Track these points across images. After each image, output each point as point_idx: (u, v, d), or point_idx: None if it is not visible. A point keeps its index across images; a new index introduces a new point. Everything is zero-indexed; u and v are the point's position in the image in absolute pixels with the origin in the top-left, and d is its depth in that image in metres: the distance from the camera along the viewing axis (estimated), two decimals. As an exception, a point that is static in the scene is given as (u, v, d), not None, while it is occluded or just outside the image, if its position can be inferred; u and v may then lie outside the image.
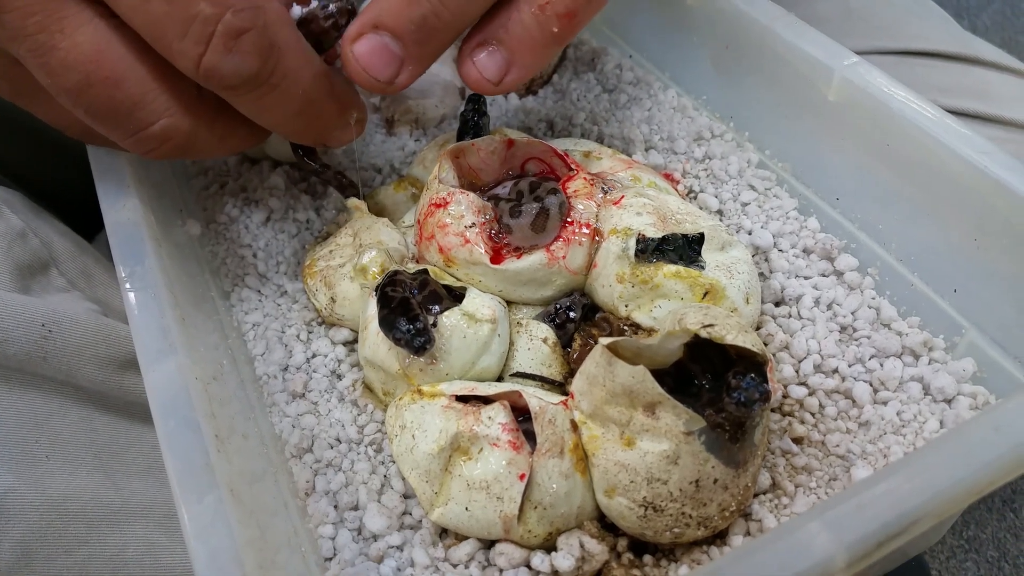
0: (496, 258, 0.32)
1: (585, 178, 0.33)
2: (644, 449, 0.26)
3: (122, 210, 0.33)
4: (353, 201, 0.38)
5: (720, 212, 0.38)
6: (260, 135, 0.33)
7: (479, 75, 0.32)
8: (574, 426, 0.28)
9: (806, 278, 0.35)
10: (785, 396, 0.31)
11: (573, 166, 0.34)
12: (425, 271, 0.32)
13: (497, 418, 0.28)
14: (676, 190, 0.38)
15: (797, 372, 0.32)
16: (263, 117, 0.30)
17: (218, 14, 0.26)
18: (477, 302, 0.31)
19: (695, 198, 0.38)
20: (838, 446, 0.30)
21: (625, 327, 0.32)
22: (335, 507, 0.30)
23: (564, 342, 0.32)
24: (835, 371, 0.32)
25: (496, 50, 0.32)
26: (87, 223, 0.48)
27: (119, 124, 0.28)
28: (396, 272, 0.32)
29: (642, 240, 0.31)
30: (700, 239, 0.31)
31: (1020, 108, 0.52)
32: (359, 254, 0.35)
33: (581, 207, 0.32)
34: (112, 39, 0.27)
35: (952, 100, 0.52)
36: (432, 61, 0.33)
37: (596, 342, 0.29)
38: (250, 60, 0.27)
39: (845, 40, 0.56)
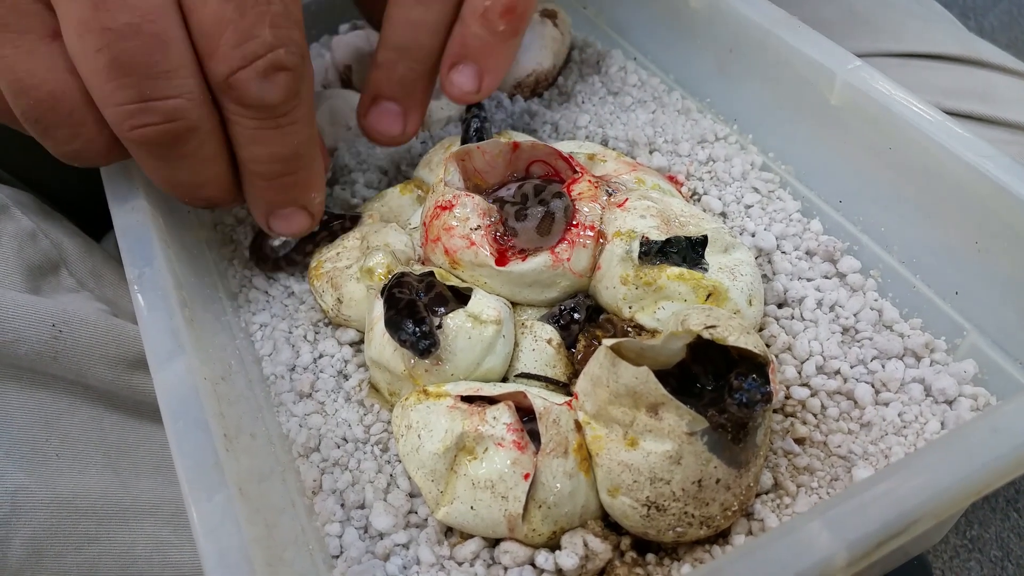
0: (501, 260, 0.32)
1: (590, 181, 0.33)
2: (647, 449, 0.26)
3: (131, 212, 0.34)
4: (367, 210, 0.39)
5: (724, 214, 0.38)
6: (229, 189, 0.33)
7: (460, 91, 0.37)
8: (578, 426, 0.28)
9: (809, 280, 0.35)
10: (787, 397, 0.31)
11: (578, 168, 0.34)
12: (431, 273, 0.32)
13: (502, 418, 0.28)
14: (680, 192, 0.38)
15: (799, 373, 0.32)
16: (255, 147, 0.31)
17: (274, 45, 0.29)
18: (482, 303, 0.31)
19: (699, 200, 0.39)
20: (840, 447, 0.30)
21: (629, 328, 0.32)
22: (342, 506, 0.30)
23: (568, 343, 0.32)
24: (837, 372, 0.32)
25: (465, 66, 0.37)
26: (95, 223, 0.49)
27: (142, 80, 0.28)
28: (403, 274, 0.32)
29: (646, 242, 0.31)
30: (703, 241, 0.31)
31: (1023, 110, 0.52)
32: (365, 256, 0.35)
33: (586, 210, 0.32)
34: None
35: (955, 102, 0.52)
36: (427, 103, 0.39)
37: (600, 343, 0.30)
38: (276, 93, 0.30)
39: (848, 42, 0.56)
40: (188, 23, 0.28)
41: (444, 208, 0.33)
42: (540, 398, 0.28)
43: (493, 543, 0.29)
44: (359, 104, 0.38)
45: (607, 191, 0.34)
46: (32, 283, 0.38)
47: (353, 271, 0.36)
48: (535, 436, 0.28)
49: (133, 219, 0.33)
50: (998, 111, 0.52)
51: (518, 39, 0.37)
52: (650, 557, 0.28)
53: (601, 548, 0.27)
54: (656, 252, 0.31)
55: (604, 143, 0.43)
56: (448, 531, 0.29)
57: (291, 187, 0.33)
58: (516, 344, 0.32)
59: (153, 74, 0.28)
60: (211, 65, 0.29)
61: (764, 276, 0.35)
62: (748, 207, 0.38)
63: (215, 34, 0.28)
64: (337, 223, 0.38)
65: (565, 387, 0.31)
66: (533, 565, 0.28)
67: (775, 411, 0.31)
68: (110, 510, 0.36)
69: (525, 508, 0.27)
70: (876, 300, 0.34)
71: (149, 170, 0.31)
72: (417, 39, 0.36)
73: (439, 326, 0.30)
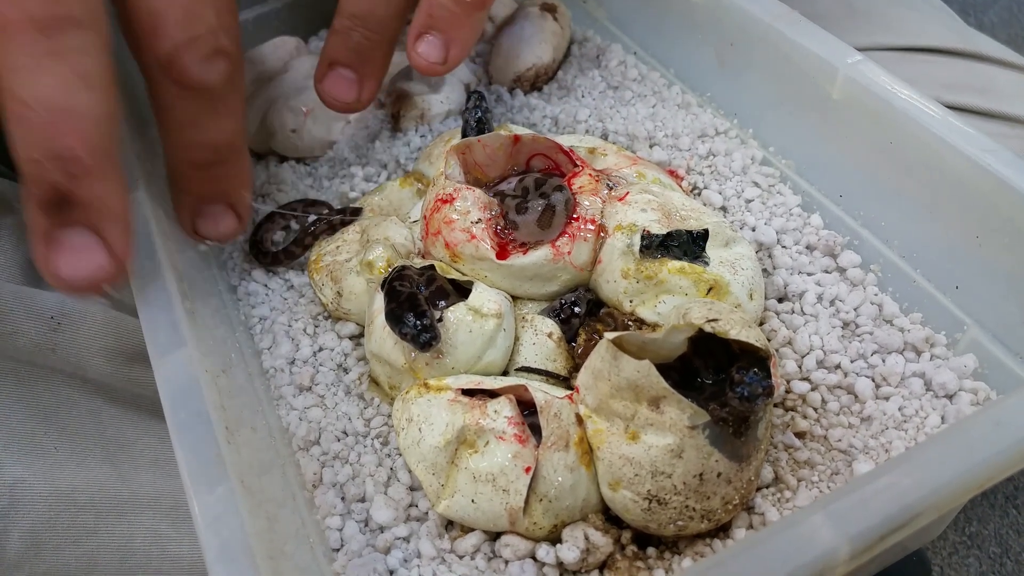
0: (502, 254, 0.32)
1: (590, 174, 0.33)
2: (648, 443, 0.26)
3: (132, 205, 0.34)
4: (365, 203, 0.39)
5: (724, 209, 0.38)
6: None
7: (426, 62, 0.37)
8: (579, 420, 0.28)
9: (809, 274, 0.35)
10: (788, 391, 0.31)
11: (578, 162, 0.34)
12: (432, 266, 0.32)
13: (503, 412, 0.28)
14: (680, 186, 0.38)
15: (800, 367, 0.32)
16: (190, 131, 0.31)
17: (216, 29, 0.29)
18: (483, 297, 0.31)
19: (699, 195, 0.39)
20: (840, 441, 0.30)
21: (630, 322, 0.32)
22: (342, 499, 0.30)
23: (569, 337, 0.32)
24: (838, 366, 0.32)
25: (432, 36, 0.37)
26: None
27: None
28: (403, 267, 0.32)
29: (647, 236, 0.31)
30: (704, 235, 0.31)
31: (1022, 103, 0.52)
32: (365, 249, 0.35)
33: (587, 203, 0.32)
34: None
35: (955, 96, 0.52)
36: (383, 72, 0.39)
37: (601, 337, 0.30)
38: (215, 76, 0.30)
39: (848, 36, 0.56)
40: (129, 2, 0.28)
41: (445, 201, 0.33)
42: (541, 392, 0.28)
43: (494, 536, 0.29)
44: (316, 69, 0.39)
45: (608, 185, 0.34)
46: (31, 275, 0.38)
47: (353, 264, 0.36)
48: (536, 430, 0.28)
49: (134, 212, 0.33)
50: (997, 105, 0.52)
51: (485, 11, 0.38)
52: (651, 551, 0.28)
53: (602, 542, 0.27)
54: (657, 246, 0.31)
55: (604, 137, 0.43)
56: (449, 524, 0.30)
57: (222, 178, 0.33)
58: (517, 338, 0.32)
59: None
60: (154, 42, 0.28)
61: (765, 270, 0.35)
62: (748, 201, 0.38)
63: (160, 11, 0.28)
64: (337, 216, 0.38)
65: (566, 381, 0.32)
66: (534, 559, 0.28)
67: (776, 405, 0.31)
68: (108, 503, 0.36)
69: (526, 501, 0.27)
70: (876, 295, 0.34)
71: (6, 80, 0.25)
72: (373, 8, 0.36)
73: (440, 319, 0.30)
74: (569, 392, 0.29)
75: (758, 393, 0.25)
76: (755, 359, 0.26)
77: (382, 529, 0.29)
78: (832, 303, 0.34)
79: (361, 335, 0.36)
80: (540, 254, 0.32)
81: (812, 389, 0.31)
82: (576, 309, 0.32)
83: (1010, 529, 0.79)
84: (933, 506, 0.22)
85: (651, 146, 0.41)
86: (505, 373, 0.32)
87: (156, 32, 0.28)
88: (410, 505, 0.30)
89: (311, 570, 0.28)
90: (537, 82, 0.47)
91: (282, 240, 0.40)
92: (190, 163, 0.32)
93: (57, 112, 0.24)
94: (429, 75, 0.39)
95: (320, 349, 0.36)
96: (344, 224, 0.38)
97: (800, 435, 0.30)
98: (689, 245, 0.31)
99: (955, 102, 0.52)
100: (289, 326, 0.37)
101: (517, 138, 0.34)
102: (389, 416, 0.33)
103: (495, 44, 0.47)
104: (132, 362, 0.38)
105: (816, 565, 0.21)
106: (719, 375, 0.28)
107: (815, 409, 0.31)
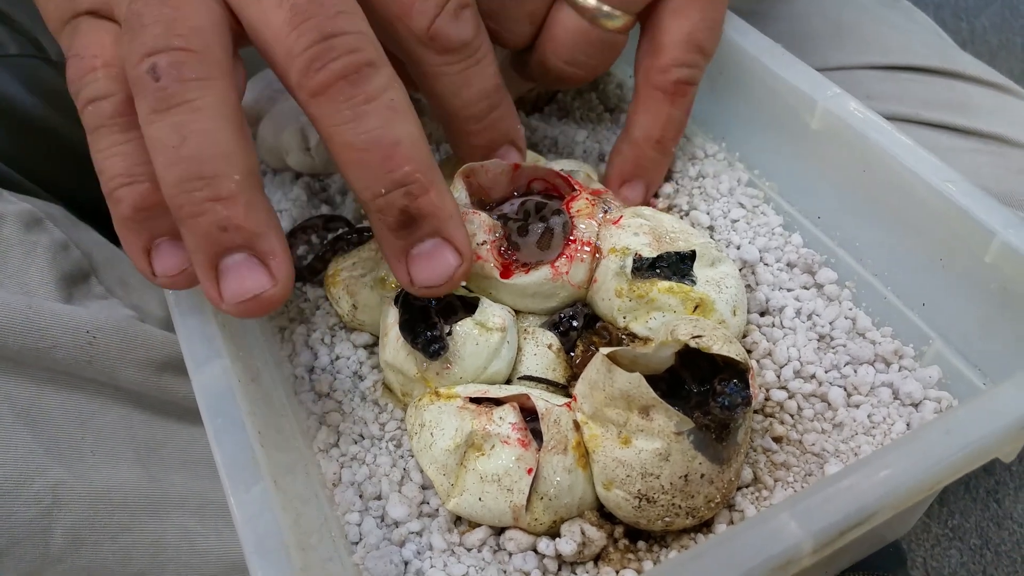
0: (505, 273, 0.34)
1: (587, 198, 0.36)
2: (639, 447, 0.28)
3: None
4: None
5: (711, 228, 0.40)
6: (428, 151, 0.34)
7: (630, 204, 0.40)
8: (576, 426, 0.30)
9: (789, 290, 0.37)
10: (767, 399, 0.34)
11: (576, 186, 0.37)
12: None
13: (507, 418, 0.30)
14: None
15: (779, 377, 0.35)
16: (465, 91, 0.33)
17: None
18: (488, 312, 0.33)
19: (687, 215, 0.41)
20: (814, 445, 0.32)
21: (623, 336, 0.35)
22: (360, 496, 0.33)
23: (568, 348, 0.35)
24: (813, 376, 0.34)
25: (637, 183, 0.40)
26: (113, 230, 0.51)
27: (321, 21, 0.28)
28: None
29: (638, 259, 0.33)
30: (692, 256, 0.34)
31: (997, 121, 0.54)
32: (378, 266, 0.37)
33: (583, 226, 0.35)
34: None
35: (934, 113, 0.54)
36: None
37: (597, 349, 0.32)
38: (468, 29, 0.32)
39: (835, 55, 0.59)
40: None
41: (453, 224, 0.35)
42: (542, 400, 0.30)
43: (499, 531, 0.31)
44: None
45: (604, 208, 0.36)
46: (65, 292, 0.41)
47: (367, 280, 0.38)
48: (537, 434, 0.30)
49: None
50: (972, 122, 0.54)
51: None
52: (641, 544, 0.31)
53: (597, 536, 0.30)
54: (647, 267, 0.33)
55: (601, 158, 0.45)
56: (458, 520, 0.32)
57: (501, 120, 0.35)
58: (519, 349, 0.34)
59: (331, 14, 0.28)
60: (409, 23, 0.31)
61: (748, 286, 0.38)
62: (734, 221, 0.40)
63: None
64: (354, 235, 0.40)
65: (564, 389, 0.34)
66: (535, 551, 0.30)
67: (755, 412, 0.34)
68: (141, 502, 0.39)
69: (528, 500, 0.29)
70: (851, 310, 0.36)
71: (336, 134, 0.27)
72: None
73: (449, 333, 0.33)
74: (567, 400, 0.32)
75: (737, 403, 0.28)
76: (736, 371, 0.29)
77: (397, 524, 0.32)
78: (809, 317, 0.36)
79: (374, 344, 0.39)
80: (540, 273, 0.34)
81: (789, 397, 0.34)
82: (574, 323, 0.35)
83: (990, 522, 0.82)
84: (889, 505, 0.24)
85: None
86: (509, 381, 0.34)
87: (410, 13, 0.31)
88: (422, 502, 0.32)
89: (334, 560, 0.30)
90: (538, 103, 0.49)
91: (304, 255, 0.42)
92: (471, 119, 0.34)
93: (389, 148, 0.26)
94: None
95: (337, 358, 0.38)
96: (361, 242, 0.41)
97: (777, 439, 0.33)
98: (677, 266, 0.33)
99: (934, 119, 0.54)
100: (308, 336, 0.39)
101: (516, 166, 0.37)
102: (402, 421, 0.35)
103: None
104: (161, 371, 0.41)
105: (784, 556, 0.23)
106: (703, 386, 0.30)
107: (792, 416, 0.34)
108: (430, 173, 0.27)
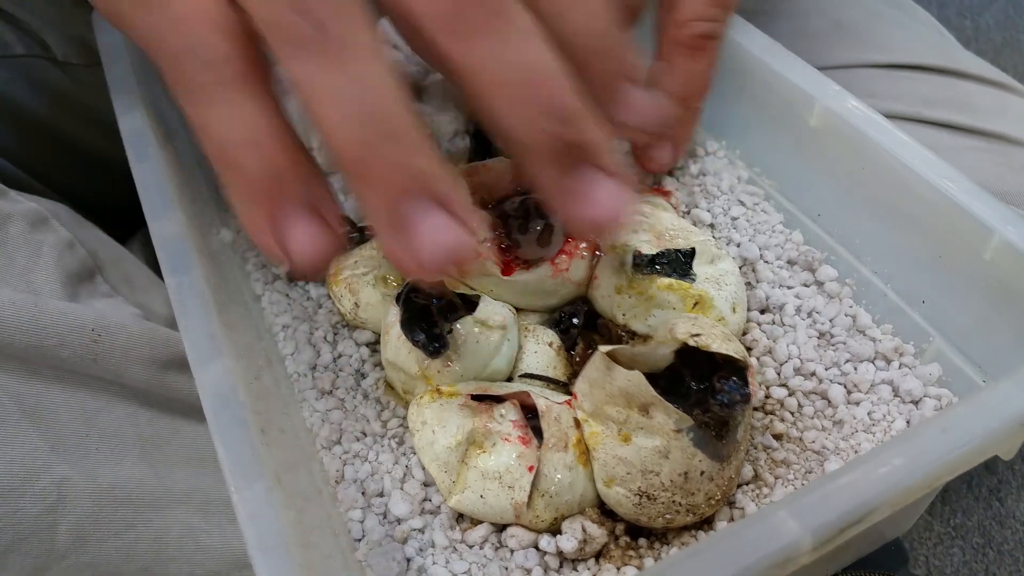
0: (506, 270, 0.34)
1: (588, 197, 0.36)
2: (639, 444, 0.29)
3: (167, 223, 0.36)
4: None
5: (712, 225, 0.40)
6: None
7: (658, 165, 0.41)
8: (577, 423, 0.31)
9: (789, 288, 0.38)
10: (767, 396, 0.34)
11: (577, 185, 0.37)
12: (442, 282, 0.35)
13: (508, 416, 0.31)
14: (669, 202, 0.41)
15: (779, 374, 0.35)
16: (710, 71, 0.37)
17: None
18: (489, 310, 0.34)
19: (688, 213, 0.41)
20: (814, 442, 0.33)
21: (623, 333, 0.35)
22: (363, 494, 0.33)
23: (568, 346, 0.35)
24: (813, 374, 0.34)
25: (664, 144, 0.41)
26: (121, 228, 0.51)
27: None
28: (416, 282, 0.35)
29: (638, 256, 0.34)
30: (691, 253, 0.34)
31: (998, 120, 0.54)
32: (381, 265, 0.38)
33: (584, 224, 0.35)
34: None
35: (935, 112, 0.54)
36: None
37: (597, 347, 0.33)
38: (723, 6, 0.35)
39: (836, 53, 0.59)
40: None
41: (455, 223, 0.35)
42: (543, 397, 0.31)
43: (500, 528, 0.31)
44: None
45: (604, 206, 0.37)
46: (70, 290, 0.41)
47: (369, 278, 0.38)
48: (538, 432, 0.30)
49: (169, 230, 0.35)
50: (973, 120, 0.54)
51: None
52: (642, 541, 0.31)
53: (598, 533, 0.30)
54: (647, 264, 0.33)
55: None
56: (460, 517, 0.32)
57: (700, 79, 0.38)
58: (520, 347, 0.34)
59: None
60: (682, 11, 0.34)
61: (748, 284, 0.38)
62: (735, 219, 0.40)
63: None
64: (356, 234, 0.41)
65: (565, 386, 0.34)
66: (536, 548, 0.30)
67: (756, 409, 0.34)
68: (145, 499, 0.39)
69: (529, 497, 0.30)
70: (851, 307, 0.37)
71: (488, 72, 0.24)
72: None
73: (450, 331, 0.33)
74: (568, 397, 0.32)
75: (736, 400, 0.28)
76: (735, 369, 0.29)
77: (399, 521, 0.32)
78: (810, 315, 0.37)
79: (377, 342, 0.39)
80: (541, 271, 0.34)
81: (789, 394, 0.34)
82: (575, 320, 0.35)
83: (993, 521, 0.82)
84: (888, 502, 0.25)
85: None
86: (509, 379, 0.34)
87: (679, 5, 0.33)
88: (424, 500, 0.33)
89: (336, 558, 0.30)
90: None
91: None
92: (701, 96, 0.37)
93: (534, 73, 0.24)
94: (656, 173, 0.42)
95: (339, 356, 0.39)
96: (363, 240, 0.41)
97: (778, 437, 0.33)
98: (677, 263, 0.34)
99: (934, 118, 0.54)
100: (311, 334, 0.40)
101: (517, 166, 0.37)
102: (404, 418, 0.35)
103: None
104: (165, 369, 0.41)
105: (783, 553, 0.23)
106: (702, 383, 0.30)
107: (792, 413, 0.34)
108: (581, 102, 0.25)
